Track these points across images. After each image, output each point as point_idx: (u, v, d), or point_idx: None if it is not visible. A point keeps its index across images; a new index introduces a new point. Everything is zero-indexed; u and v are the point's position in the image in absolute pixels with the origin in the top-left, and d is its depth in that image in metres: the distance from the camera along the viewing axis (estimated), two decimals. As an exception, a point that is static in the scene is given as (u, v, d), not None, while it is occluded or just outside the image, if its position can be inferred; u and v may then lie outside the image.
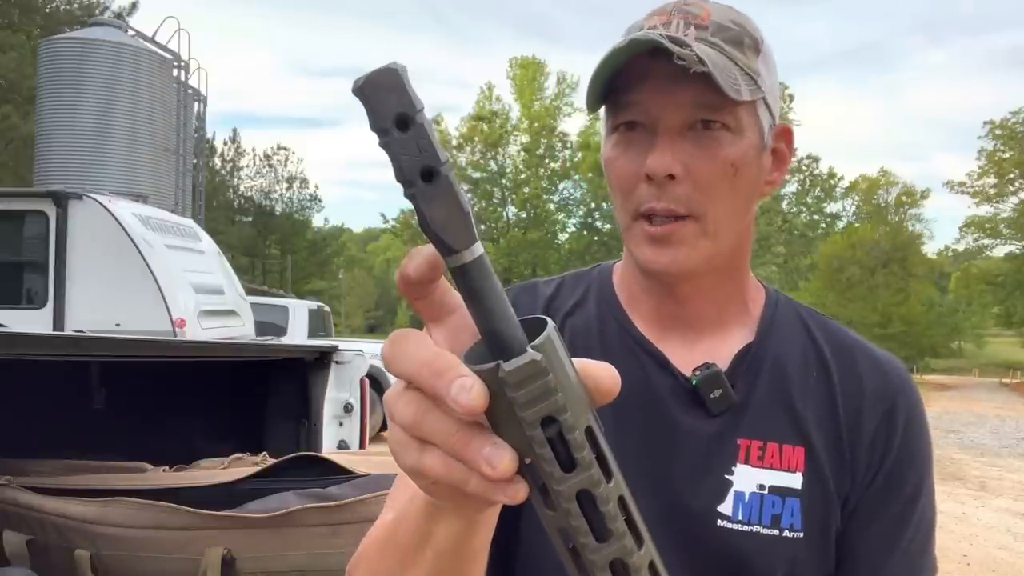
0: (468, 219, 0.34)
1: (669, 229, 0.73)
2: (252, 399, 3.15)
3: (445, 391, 0.35)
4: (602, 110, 0.77)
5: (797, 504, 0.76)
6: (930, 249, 47.34)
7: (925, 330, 40.68)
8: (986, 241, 39.73)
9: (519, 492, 0.38)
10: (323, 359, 3.10)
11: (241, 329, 7.09)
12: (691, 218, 0.73)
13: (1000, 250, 39.93)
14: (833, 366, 0.81)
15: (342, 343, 4.07)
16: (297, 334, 10.39)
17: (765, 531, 0.75)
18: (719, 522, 0.75)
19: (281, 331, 10.12)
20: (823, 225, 42.43)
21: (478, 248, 0.35)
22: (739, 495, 0.76)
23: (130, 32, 9.99)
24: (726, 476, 0.76)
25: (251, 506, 1.94)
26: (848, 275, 39.64)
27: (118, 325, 5.61)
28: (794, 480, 0.76)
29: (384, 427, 9.84)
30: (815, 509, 0.76)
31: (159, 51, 9.94)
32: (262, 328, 8.62)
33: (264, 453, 2.33)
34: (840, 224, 43.50)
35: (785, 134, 0.80)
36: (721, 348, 0.81)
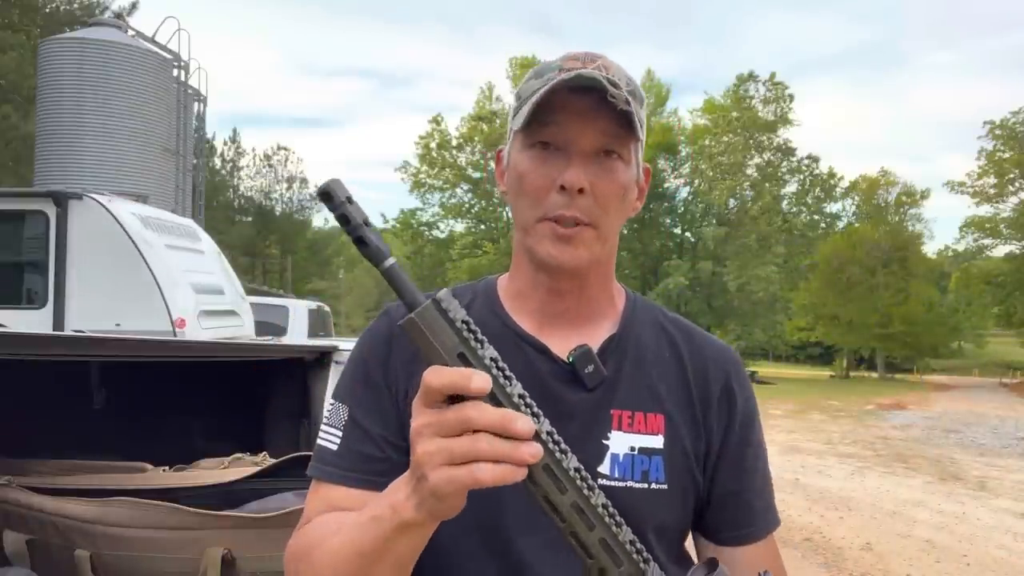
0: (381, 242, 0.66)
1: (575, 232, 0.90)
2: (252, 399, 3.15)
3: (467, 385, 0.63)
4: (511, 129, 0.94)
5: (660, 461, 0.94)
6: (930, 249, 47.34)
7: (925, 330, 40.69)
8: (986, 241, 39.74)
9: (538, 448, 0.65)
10: (323, 359, 3.10)
11: (241, 329, 7.09)
12: (591, 226, 0.90)
13: (1000, 250, 39.95)
14: (683, 348, 1.00)
15: (342, 343, 4.07)
16: (297, 334, 10.38)
17: (637, 485, 0.92)
18: (600, 481, 0.90)
19: (281, 331, 10.11)
20: (823, 225, 42.36)
21: (390, 260, 0.66)
22: (615, 456, 0.93)
23: (130, 32, 9.97)
24: (603, 441, 0.93)
25: (251, 506, 1.94)
26: (848, 275, 39.64)
27: (118, 325, 5.61)
28: (657, 441, 0.94)
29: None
30: (675, 464, 0.94)
31: (159, 51, 9.92)
32: (262, 328, 8.61)
33: (264, 453, 2.33)
34: (840, 224, 43.47)
35: (646, 173, 1.00)
36: (592, 337, 0.97)
